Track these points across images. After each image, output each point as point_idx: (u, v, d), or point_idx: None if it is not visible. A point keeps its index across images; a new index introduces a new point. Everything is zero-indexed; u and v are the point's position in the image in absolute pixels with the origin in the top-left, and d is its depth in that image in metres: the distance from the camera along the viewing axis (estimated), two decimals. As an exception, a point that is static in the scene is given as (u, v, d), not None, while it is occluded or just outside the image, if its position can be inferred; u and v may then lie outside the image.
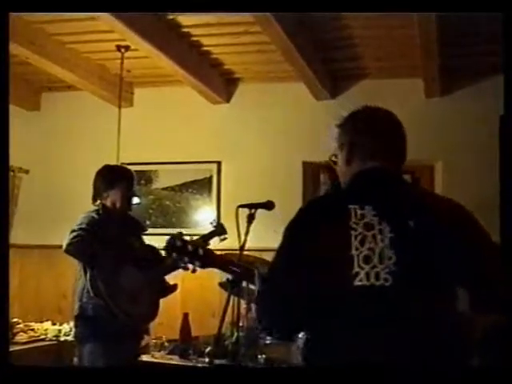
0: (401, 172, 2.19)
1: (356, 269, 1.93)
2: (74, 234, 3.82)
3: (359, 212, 1.98)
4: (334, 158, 2.29)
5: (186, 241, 3.03)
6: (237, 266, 3.14)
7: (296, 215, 2.10)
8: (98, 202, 4.11)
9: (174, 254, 2.99)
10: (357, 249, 1.94)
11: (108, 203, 4.09)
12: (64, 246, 3.85)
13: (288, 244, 2.06)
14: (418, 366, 1.88)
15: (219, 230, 4.26)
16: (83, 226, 3.86)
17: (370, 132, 2.19)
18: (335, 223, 2.00)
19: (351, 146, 2.19)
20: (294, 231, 2.06)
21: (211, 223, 4.12)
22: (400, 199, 2.05)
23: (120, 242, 4.00)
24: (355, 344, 1.92)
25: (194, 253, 2.98)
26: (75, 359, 5.16)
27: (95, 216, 3.98)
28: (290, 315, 2.02)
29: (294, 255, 2.03)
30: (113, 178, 4.14)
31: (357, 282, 1.92)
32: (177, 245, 2.99)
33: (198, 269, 3.08)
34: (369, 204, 1.99)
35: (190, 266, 3.10)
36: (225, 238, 4.26)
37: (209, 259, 3.03)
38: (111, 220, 4.04)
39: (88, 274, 3.88)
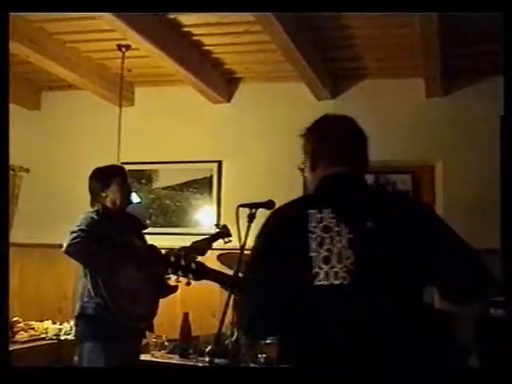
0: (363, 175, 2.27)
1: (315, 269, 2.01)
2: (74, 235, 3.83)
3: (318, 216, 2.07)
4: (301, 166, 2.43)
5: (179, 255, 3.11)
6: (228, 278, 3.23)
7: (263, 224, 2.22)
8: (97, 204, 4.12)
9: (169, 269, 3.07)
10: (316, 251, 2.03)
11: (107, 203, 4.10)
12: (64, 247, 3.87)
13: (256, 252, 2.18)
14: (377, 361, 1.97)
15: (224, 233, 4.27)
16: (83, 228, 3.88)
17: (330, 139, 2.30)
18: (295, 228, 2.10)
19: (313, 154, 2.31)
20: (261, 239, 2.18)
21: (216, 225, 4.14)
22: (359, 201, 2.14)
23: (120, 242, 4.00)
24: (319, 341, 2.02)
25: (187, 267, 3.07)
26: (75, 358, 5.18)
27: (94, 217, 3.99)
28: (262, 319, 2.12)
29: (261, 262, 2.15)
30: (107, 176, 4.16)
31: (316, 282, 2.01)
32: (170, 260, 3.07)
33: (192, 281, 3.18)
34: (328, 207, 2.08)
35: (183, 279, 3.19)
36: (230, 241, 4.27)
37: (201, 272, 3.12)
38: (111, 219, 4.05)
39: (88, 275, 3.89)
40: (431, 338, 2.06)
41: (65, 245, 3.86)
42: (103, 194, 4.10)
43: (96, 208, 4.09)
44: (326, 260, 2.01)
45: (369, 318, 1.98)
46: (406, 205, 2.20)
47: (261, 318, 2.12)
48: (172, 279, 3.21)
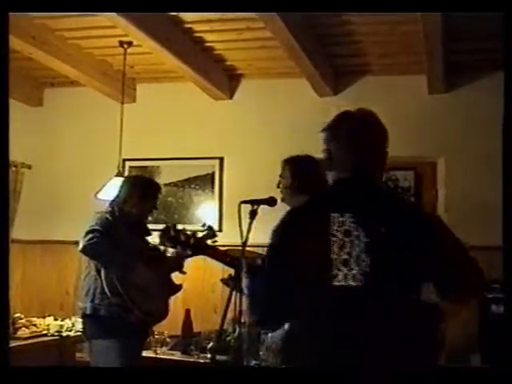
0: (380, 177, 2.32)
1: (335, 271, 2.11)
2: (91, 235, 3.88)
3: (340, 219, 2.15)
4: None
5: (179, 230, 3.13)
6: (226, 256, 3.24)
7: (283, 221, 2.32)
8: (114, 202, 4.17)
9: (168, 243, 3.11)
10: (336, 253, 2.13)
11: (128, 209, 4.13)
12: (80, 247, 3.93)
13: (276, 249, 2.27)
14: (389, 360, 2.08)
15: (211, 234, 4.27)
16: (98, 228, 3.94)
17: (347, 142, 2.29)
18: (318, 230, 2.18)
19: (330, 155, 2.32)
20: (282, 237, 2.27)
21: (202, 226, 4.15)
22: (375, 207, 2.21)
23: (129, 243, 4.05)
24: (333, 337, 2.11)
25: (186, 242, 3.17)
26: (77, 355, 5.19)
27: (109, 217, 4.05)
28: (279, 309, 2.22)
29: (282, 259, 2.23)
30: (148, 192, 4.27)
31: (335, 283, 2.11)
32: (170, 235, 3.07)
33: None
34: (349, 212, 2.16)
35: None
36: (215, 241, 4.29)
37: (199, 247, 3.13)
38: (124, 223, 4.09)
39: (103, 274, 3.91)
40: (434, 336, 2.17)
41: (81, 244, 3.90)
42: (131, 202, 4.14)
43: (110, 208, 4.13)
44: (345, 263, 2.11)
45: (381, 318, 2.08)
46: (415, 213, 2.29)
47: (278, 308, 2.21)
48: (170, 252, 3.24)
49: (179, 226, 3.65)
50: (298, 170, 3.52)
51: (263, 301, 2.27)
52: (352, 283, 2.08)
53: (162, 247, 3.52)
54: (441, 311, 2.20)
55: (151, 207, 4.29)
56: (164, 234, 3.17)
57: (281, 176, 3.55)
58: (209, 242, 4.23)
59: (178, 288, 4.29)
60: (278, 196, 3.48)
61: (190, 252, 3.12)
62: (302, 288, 2.15)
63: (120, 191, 4.23)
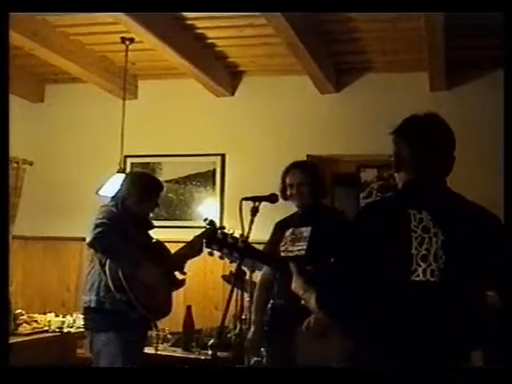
0: (445, 182, 2.37)
1: (414, 266, 2.16)
2: (99, 229, 3.84)
3: (418, 216, 2.22)
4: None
5: (226, 233, 3.08)
6: (273, 259, 3.34)
7: (359, 216, 2.41)
8: (117, 198, 4.15)
9: (214, 246, 3.05)
10: (416, 248, 2.18)
11: (131, 206, 4.12)
12: (88, 240, 3.88)
13: (353, 241, 2.30)
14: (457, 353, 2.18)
15: (212, 228, 4.25)
16: (105, 221, 3.89)
17: (414, 146, 2.35)
18: (399, 225, 2.23)
19: (398, 157, 2.37)
20: (358, 230, 2.30)
21: (204, 220, 4.13)
22: (449, 206, 2.29)
23: (135, 238, 4.04)
24: (407, 331, 2.15)
25: (234, 245, 3.04)
26: (78, 351, 5.20)
27: (114, 210, 4.03)
28: (355, 305, 2.23)
29: (358, 251, 2.25)
30: (150, 190, 4.24)
31: (414, 278, 2.16)
32: (217, 237, 3.05)
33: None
34: (425, 209, 2.22)
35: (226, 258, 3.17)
36: (222, 227, 4.30)
37: (247, 251, 3.08)
38: (127, 217, 4.07)
39: (107, 269, 3.90)
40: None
41: (89, 238, 3.87)
42: (134, 198, 4.12)
43: (114, 202, 4.12)
44: (424, 258, 2.16)
45: (456, 312, 2.15)
46: (487, 216, 2.34)
47: (349, 304, 2.22)
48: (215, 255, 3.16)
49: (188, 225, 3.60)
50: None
51: (338, 297, 2.26)
52: (431, 278, 2.14)
53: (207, 249, 3.38)
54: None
55: (153, 205, 4.27)
56: (210, 236, 3.10)
57: None
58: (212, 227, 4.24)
59: (182, 283, 4.28)
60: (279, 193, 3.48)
61: (236, 255, 3.07)
62: (379, 284, 2.18)
63: (121, 188, 4.22)
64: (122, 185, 4.25)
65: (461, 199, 2.40)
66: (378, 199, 2.54)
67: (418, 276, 2.15)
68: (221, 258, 3.16)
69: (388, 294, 2.17)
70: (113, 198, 4.21)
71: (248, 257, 3.15)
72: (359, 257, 2.22)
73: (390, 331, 2.17)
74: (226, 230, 3.12)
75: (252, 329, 3.83)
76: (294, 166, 3.80)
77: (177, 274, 4.27)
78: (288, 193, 3.73)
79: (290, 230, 3.70)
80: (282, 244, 3.66)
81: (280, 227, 3.83)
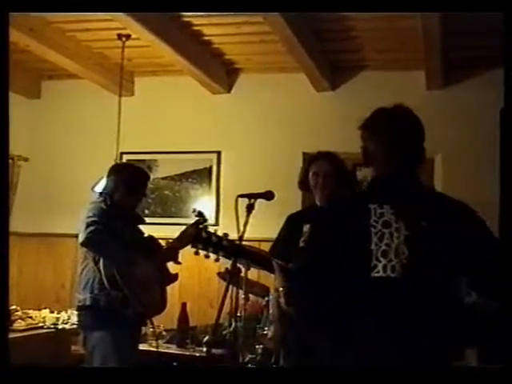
0: (417, 172, 2.32)
1: (374, 261, 2.13)
2: (91, 228, 3.81)
3: (379, 211, 2.18)
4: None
5: (211, 232, 3.16)
6: (261, 257, 3.30)
7: (325, 214, 2.43)
8: (105, 192, 4.12)
9: (199, 245, 3.12)
10: (376, 244, 2.15)
11: (119, 199, 4.09)
12: (80, 239, 3.85)
13: (319, 239, 2.32)
14: (423, 349, 2.10)
15: (201, 220, 4.27)
16: (96, 219, 3.86)
17: (383, 138, 2.31)
18: (358, 221, 2.20)
19: (365, 152, 2.34)
20: (323, 227, 2.33)
21: (193, 212, 4.14)
22: (415, 200, 2.22)
23: (126, 234, 4.03)
24: (371, 328, 2.13)
25: (219, 243, 3.11)
26: (73, 347, 5.19)
27: (103, 206, 3.99)
28: (320, 301, 2.24)
29: (323, 250, 2.27)
30: (136, 183, 4.19)
31: (374, 274, 2.13)
32: (202, 236, 3.12)
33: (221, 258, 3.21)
34: (387, 204, 2.18)
35: (212, 256, 3.21)
36: (206, 226, 4.32)
37: (232, 250, 3.13)
38: (117, 212, 4.05)
39: (101, 266, 3.88)
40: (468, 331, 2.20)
41: (81, 236, 3.85)
42: (120, 192, 4.09)
43: (102, 198, 4.08)
44: (384, 254, 2.13)
45: (419, 308, 2.11)
46: (453, 205, 2.28)
47: (314, 301, 2.25)
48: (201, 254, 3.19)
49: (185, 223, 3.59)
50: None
51: (304, 293, 2.30)
52: (391, 274, 2.11)
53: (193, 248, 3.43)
54: (477, 310, 2.21)
55: (141, 196, 4.23)
56: (196, 236, 3.16)
57: None
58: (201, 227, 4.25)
59: (175, 278, 4.27)
60: (275, 190, 3.47)
61: (222, 254, 3.11)
62: (340, 280, 2.17)
63: (108, 181, 4.18)
64: (106, 179, 4.22)
65: (433, 192, 2.40)
66: (342, 197, 2.57)
67: (378, 272, 2.12)
68: (206, 256, 3.21)
69: (350, 291, 2.15)
70: (100, 193, 4.17)
71: (233, 255, 3.15)
72: (324, 254, 2.23)
73: (351, 328, 2.14)
74: (210, 229, 3.18)
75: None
76: (322, 156, 3.60)
77: (170, 267, 4.26)
78: (313, 183, 3.51)
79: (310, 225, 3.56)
80: (302, 240, 3.53)
81: (295, 221, 3.60)
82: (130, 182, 4.14)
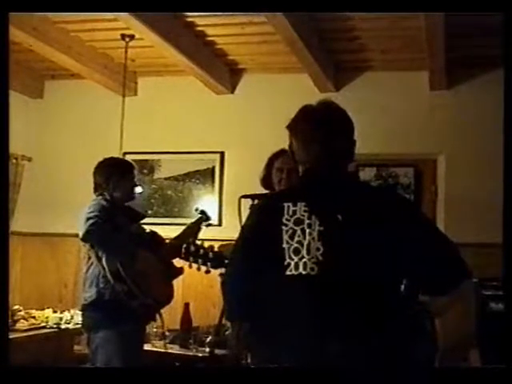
0: (341, 167, 2.28)
1: (287, 260, 2.11)
2: (91, 221, 3.81)
3: (292, 209, 2.16)
4: None
5: (198, 245, 3.33)
6: None
7: (247, 215, 2.39)
8: (101, 192, 4.12)
9: (191, 258, 3.30)
10: (287, 242, 2.13)
11: (115, 194, 4.09)
12: (81, 234, 3.85)
13: (238, 241, 2.31)
14: (340, 354, 2.01)
15: (204, 218, 4.29)
16: (97, 214, 3.86)
17: (300, 136, 2.29)
18: (272, 221, 2.19)
19: (290, 150, 2.33)
20: (243, 230, 2.33)
21: (196, 210, 4.16)
22: (331, 195, 2.18)
23: (128, 228, 4.03)
24: (287, 328, 2.11)
25: (206, 255, 3.28)
26: (75, 347, 5.19)
27: (104, 203, 3.99)
28: (238, 305, 2.27)
29: (241, 251, 2.29)
30: (121, 171, 4.17)
31: (287, 272, 2.10)
32: (191, 250, 3.27)
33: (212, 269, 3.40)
34: (302, 201, 2.16)
35: (203, 268, 3.40)
36: (209, 224, 4.42)
37: (218, 261, 3.29)
38: (117, 208, 4.06)
39: (105, 261, 3.88)
40: (401, 333, 2.07)
41: (82, 232, 3.85)
42: (112, 186, 4.09)
43: (103, 197, 4.09)
44: (296, 251, 2.10)
45: (334, 308, 2.04)
46: (377, 196, 2.22)
47: (238, 303, 2.26)
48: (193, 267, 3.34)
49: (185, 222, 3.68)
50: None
51: (226, 298, 2.34)
52: (303, 271, 2.07)
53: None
54: (424, 310, 2.16)
55: (132, 185, 4.19)
56: (186, 249, 3.29)
57: None
58: (203, 225, 4.31)
59: (180, 271, 4.26)
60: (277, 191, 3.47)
61: (210, 265, 3.21)
62: (259, 280, 2.17)
63: (96, 178, 4.18)
64: (94, 177, 4.21)
65: (358, 185, 2.38)
66: (266, 195, 2.62)
67: (291, 270, 2.09)
68: (198, 269, 3.42)
69: (269, 291, 2.15)
70: (96, 192, 4.17)
71: (221, 266, 3.26)
72: (244, 256, 2.25)
73: (273, 327, 2.14)
74: (198, 243, 3.39)
75: None
76: (285, 152, 3.63)
77: (175, 261, 4.26)
78: (277, 179, 3.50)
79: None
80: None
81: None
82: (117, 173, 4.12)
